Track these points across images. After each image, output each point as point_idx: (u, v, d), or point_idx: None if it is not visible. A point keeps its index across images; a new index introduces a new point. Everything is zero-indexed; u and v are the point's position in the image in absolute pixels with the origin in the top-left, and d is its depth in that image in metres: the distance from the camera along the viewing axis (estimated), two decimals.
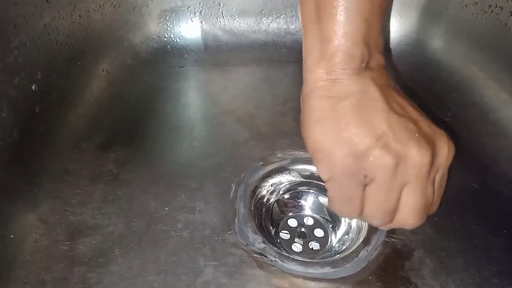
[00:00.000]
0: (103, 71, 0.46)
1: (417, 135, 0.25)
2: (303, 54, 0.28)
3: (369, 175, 0.25)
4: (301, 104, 0.28)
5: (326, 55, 0.26)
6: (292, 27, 0.54)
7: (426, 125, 0.26)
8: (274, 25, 0.54)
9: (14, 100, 0.33)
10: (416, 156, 0.24)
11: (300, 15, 0.28)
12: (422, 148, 0.24)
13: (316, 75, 0.26)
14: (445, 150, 0.26)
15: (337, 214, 0.30)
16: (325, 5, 0.25)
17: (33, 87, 0.35)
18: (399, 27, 0.53)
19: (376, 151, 0.24)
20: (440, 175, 0.27)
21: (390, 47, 0.53)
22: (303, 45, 0.28)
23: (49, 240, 0.33)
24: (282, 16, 0.54)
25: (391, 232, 0.34)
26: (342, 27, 0.25)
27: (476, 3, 0.47)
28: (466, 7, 0.47)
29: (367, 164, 0.25)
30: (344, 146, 0.25)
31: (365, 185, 0.26)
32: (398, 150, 0.24)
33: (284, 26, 0.54)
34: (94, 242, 0.33)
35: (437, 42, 0.51)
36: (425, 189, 0.26)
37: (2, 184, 0.31)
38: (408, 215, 0.27)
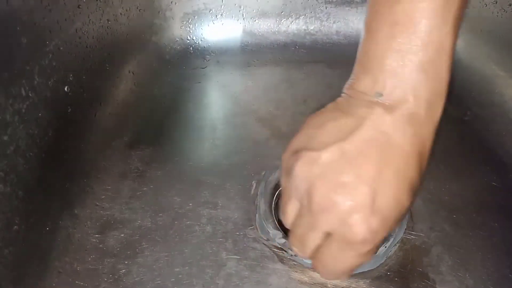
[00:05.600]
0: (129, 72, 0.47)
1: (334, 177, 0.23)
2: None
3: (286, 169, 0.27)
4: None
5: (354, 74, 0.26)
6: (311, 27, 0.55)
7: (359, 187, 0.22)
8: (294, 26, 0.55)
9: (49, 101, 0.35)
10: (314, 187, 0.23)
11: None
12: (323, 187, 0.23)
13: (344, 86, 0.26)
14: (344, 216, 0.22)
15: None
16: (364, 25, 0.25)
17: (65, 89, 0.37)
18: None
19: (296, 155, 0.25)
20: (334, 242, 0.24)
21: None
22: None
23: (81, 233, 0.34)
24: (301, 17, 0.55)
25: (410, 229, 0.35)
26: (369, 51, 0.24)
27: (496, 2, 0.46)
28: (486, 6, 0.47)
29: (287, 159, 0.26)
30: (295, 139, 0.27)
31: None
32: (307, 169, 0.24)
33: (304, 27, 0.55)
34: (122, 235, 0.34)
35: (457, 42, 0.51)
36: (307, 228, 0.25)
37: (38, 180, 0.33)
38: (290, 234, 0.28)
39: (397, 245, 0.33)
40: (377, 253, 0.33)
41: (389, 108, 0.23)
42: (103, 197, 0.37)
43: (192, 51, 0.53)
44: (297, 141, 0.26)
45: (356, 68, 0.25)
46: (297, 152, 0.25)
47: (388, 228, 0.23)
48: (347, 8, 0.54)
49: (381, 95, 0.23)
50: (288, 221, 0.27)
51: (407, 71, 0.23)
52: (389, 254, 0.33)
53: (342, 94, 0.26)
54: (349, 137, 0.23)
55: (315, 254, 0.25)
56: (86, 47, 0.41)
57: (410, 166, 0.23)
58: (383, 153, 0.22)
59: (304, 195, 0.24)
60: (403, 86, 0.23)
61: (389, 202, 0.22)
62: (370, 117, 0.23)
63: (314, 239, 0.25)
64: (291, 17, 0.55)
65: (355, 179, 0.22)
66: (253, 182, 0.38)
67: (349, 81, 0.26)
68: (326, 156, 0.23)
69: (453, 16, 0.23)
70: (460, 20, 0.24)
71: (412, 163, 0.23)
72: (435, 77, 0.23)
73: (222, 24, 0.54)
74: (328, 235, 0.24)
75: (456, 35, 0.24)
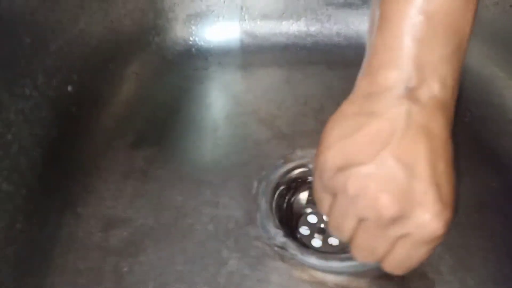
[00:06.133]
0: (132, 73, 0.48)
1: (397, 187, 0.22)
2: None
3: (332, 190, 0.25)
4: None
5: (372, 68, 0.24)
6: (312, 29, 0.55)
7: (422, 188, 0.22)
8: (295, 28, 0.55)
9: (52, 101, 0.35)
10: (378, 201, 0.22)
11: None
12: (389, 200, 0.22)
13: (361, 82, 0.25)
14: (418, 220, 0.22)
15: None
16: (381, 18, 0.24)
17: (69, 88, 0.37)
18: None
19: (347, 173, 0.23)
20: (408, 243, 0.23)
21: None
22: None
23: (83, 232, 0.35)
24: (302, 19, 0.55)
25: None
26: (390, 43, 0.23)
27: (497, 3, 0.47)
28: (487, 7, 0.47)
29: (335, 179, 0.24)
30: (331, 154, 0.24)
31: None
32: (366, 186, 0.22)
33: (305, 29, 0.55)
34: (125, 233, 0.34)
35: None
36: (376, 238, 0.24)
37: (41, 179, 0.33)
38: (353, 246, 0.26)
39: None
40: None
41: (419, 101, 0.22)
42: (106, 196, 0.37)
43: (194, 52, 0.54)
44: (334, 157, 0.24)
45: (374, 62, 0.24)
46: (343, 170, 0.23)
47: (454, 212, 0.23)
48: (348, 10, 0.54)
49: (410, 88, 0.22)
50: (345, 237, 0.26)
51: (434, 62, 0.22)
52: None
53: (359, 91, 0.24)
54: (393, 141, 0.22)
55: (386, 256, 0.25)
56: (89, 47, 0.41)
57: (450, 150, 0.23)
58: (429, 147, 0.22)
59: (367, 211, 0.23)
60: (431, 78, 0.22)
61: (449, 190, 0.23)
62: (405, 114, 0.22)
63: (385, 247, 0.24)
64: (292, 19, 0.55)
65: (417, 183, 0.22)
66: (254, 182, 0.38)
67: (366, 77, 0.24)
68: (378, 167, 0.22)
69: (472, 2, 0.23)
70: (477, 6, 0.23)
71: (450, 147, 0.23)
72: (458, 64, 0.23)
73: (224, 25, 0.54)
74: (397, 241, 0.24)
75: (474, 21, 0.23)
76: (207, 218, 0.36)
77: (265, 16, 0.54)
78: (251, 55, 0.54)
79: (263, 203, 0.36)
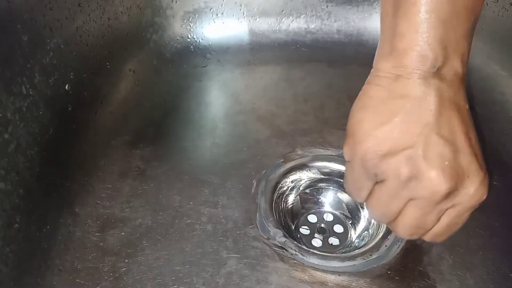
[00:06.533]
0: (130, 71, 0.47)
1: (447, 163, 0.23)
2: (378, 42, 0.27)
3: (380, 176, 0.25)
4: (362, 87, 0.27)
5: (397, 50, 0.24)
6: (312, 26, 0.55)
7: (466, 159, 0.24)
8: (295, 25, 0.55)
9: (49, 99, 0.35)
10: (433, 180, 0.23)
11: (380, 5, 0.27)
12: (443, 177, 0.23)
13: (384, 65, 0.25)
14: (469, 191, 0.24)
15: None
16: (404, 1, 0.24)
17: (66, 87, 0.37)
18: None
19: (396, 158, 0.24)
20: (455, 211, 0.25)
21: None
22: (380, 33, 0.27)
23: (81, 231, 0.34)
24: (302, 16, 0.55)
25: None
26: (416, 25, 0.23)
27: (497, 0, 0.46)
28: (487, 5, 0.47)
29: (383, 165, 0.25)
30: (373, 141, 0.25)
31: (376, 182, 0.26)
32: (418, 167, 0.23)
33: (305, 26, 0.55)
34: (123, 233, 0.34)
35: None
36: (428, 214, 0.25)
37: (39, 178, 0.33)
38: (400, 226, 0.27)
39: (398, 244, 0.33)
40: (377, 252, 0.33)
41: (445, 78, 0.24)
42: (103, 195, 0.37)
43: (192, 50, 0.53)
44: (378, 145, 0.24)
45: (399, 45, 0.24)
46: (390, 156, 0.24)
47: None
48: (348, 7, 0.54)
49: (437, 68, 0.24)
50: (391, 219, 0.27)
51: (456, 40, 0.24)
52: (390, 253, 0.33)
53: (383, 74, 0.25)
54: (431, 119, 0.24)
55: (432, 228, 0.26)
56: (87, 45, 0.41)
57: (471, 119, 0.25)
58: (461, 120, 0.24)
59: (422, 191, 0.24)
60: (453, 56, 0.24)
61: (482, 156, 0.25)
62: (436, 93, 0.24)
63: (434, 221, 0.26)
64: (292, 16, 0.55)
65: (461, 156, 0.24)
66: (253, 181, 0.38)
67: (390, 60, 0.25)
68: (424, 147, 0.23)
69: None
70: None
71: (471, 116, 0.25)
72: (471, 40, 0.25)
73: (223, 22, 0.54)
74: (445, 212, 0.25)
75: None
76: (206, 218, 0.35)
77: (264, 13, 0.54)
78: (250, 52, 0.53)
79: (263, 203, 0.36)
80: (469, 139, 0.24)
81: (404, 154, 0.24)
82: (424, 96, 0.24)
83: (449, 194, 0.24)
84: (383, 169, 0.25)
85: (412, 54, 0.24)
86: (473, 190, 0.24)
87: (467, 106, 0.25)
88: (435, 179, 0.23)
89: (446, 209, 0.25)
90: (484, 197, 0.25)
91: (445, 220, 0.26)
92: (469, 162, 0.24)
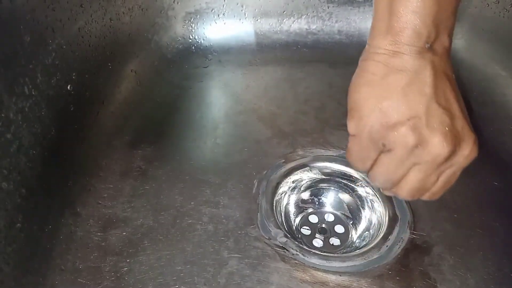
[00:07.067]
0: (131, 71, 0.48)
1: (447, 128, 0.26)
2: (372, 21, 0.29)
3: (388, 146, 0.27)
4: (358, 64, 0.29)
5: (394, 29, 0.26)
6: (313, 27, 0.55)
7: (460, 124, 0.26)
8: (296, 26, 0.55)
9: (51, 100, 0.35)
10: (436, 146, 0.26)
11: None
12: (445, 142, 0.26)
13: (381, 42, 0.27)
14: (465, 152, 0.27)
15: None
16: None
17: (68, 87, 0.37)
18: None
19: (403, 128, 0.26)
20: (451, 171, 0.28)
21: None
22: (373, 12, 0.29)
23: (83, 231, 0.34)
24: (303, 17, 0.55)
25: (411, 228, 0.35)
26: (412, 6, 0.25)
27: (498, 1, 0.46)
28: (488, 5, 0.47)
29: (391, 136, 0.26)
30: (379, 114, 0.26)
31: (381, 151, 0.28)
32: (423, 135, 0.26)
33: (306, 26, 0.55)
34: (124, 233, 0.34)
35: (459, 41, 0.51)
36: (429, 176, 0.28)
37: (40, 178, 0.33)
38: (404, 189, 0.29)
39: (398, 244, 0.34)
40: (378, 252, 0.33)
41: (437, 53, 0.26)
42: (105, 195, 0.37)
43: (194, 50, 0.54)
44: (383, 118, 0.26)
45: (395, 24, 0.26)
46: (397, 126, 0.26)
47: None
48: (349, 8, 0.54)
49: (430, 43, 0.26)
50: (394, 185, 0.29)
51: (446, 18, 0.26)
52: (390, 253, 0.33)
53: (380, 51, 0.27)
54: (429, 90, 0.26)
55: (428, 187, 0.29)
56: (89, 46, 0.41)
57: (457, 86, 0.28)
58: (452, 89, 0.27)
59: (427, 156, 0.26)
60: (443, 32, 0.26)
61: (468, 119, 0.27)
62: (430, 66, 0.26)
63: (434, 181, 0.28)
64: (293, 17, 0.55)
65: (457, 121, 0.26)
66: (254, 181, 0.38)
67: (387, 38, 0.27)
68: (427, 116, 0.26)
69: None
70: None
71: (456, 84, 0.28)
72: (456, 15, 0.27)
73: (224, 23, 0.54)
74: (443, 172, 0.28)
75: None
76: (207, 218, 0.36)
77: (265, 14, 0.54)
78: (251, 53, 0.54)
79: (264, 203, 0.36)
80: (460, 106, 0.27)
81: (409, 124, 0.26)
82: (421, 70, 0.26)
83: (449, 156, 0.26)
84: (391, 139, 0.27)
85: (408, 32, 0.26)
86: (468, 151, 0.27)
87: (453, 75, 0.27)
88: (438, 144, 0.26)
89: (445, 170, 0.28)
90: (476, 154, 0.27)
91: (442, 179, 0.28)
92: (463, 126, 0.26)
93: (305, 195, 0.39)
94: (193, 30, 0.54)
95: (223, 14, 0.54)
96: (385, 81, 0.27)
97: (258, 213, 0.36)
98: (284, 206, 0.38)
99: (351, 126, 0.28)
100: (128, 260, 0.33)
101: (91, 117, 0.41)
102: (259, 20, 0.54)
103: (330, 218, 0.39)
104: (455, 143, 0.26)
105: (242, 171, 0.39)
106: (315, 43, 0.55)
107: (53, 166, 0.35)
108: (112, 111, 0.43)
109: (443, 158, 0.26)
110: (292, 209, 0.39)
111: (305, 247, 0.34)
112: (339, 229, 0.38)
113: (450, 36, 0.27)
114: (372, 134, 0.27)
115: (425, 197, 0.29)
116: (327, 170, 0.40)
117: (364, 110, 0.27)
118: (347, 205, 0.39)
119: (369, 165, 0.29)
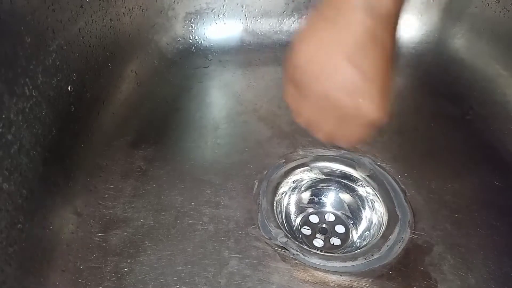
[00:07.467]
0: (131, 72, 0.48)
1: (350, 85, 0.27)
2: None
3: (297, 84, 0.30)
4: None
5: None
6: None
7: (369, 86, 0.27)
8: (296, 26, 0.55)
9: (52, 100, 0.35)
10: (335, 96, 0.28)
11: None
12: (344, 95, 0.27)
13: None
14: (366, 109, 0.28)
15: None
16: None
17: (68, 88, 0.37)
18: (420, 26, 0.53)
19: (308, 74, 0.28)
20: (356, 124, 0.29)
21: (411, 46, 0.54)
22: None
23: (84, 232, 0.35)
24: (304, 17, 0.55)
25: (412, 228, 0.35)
26: None
27: (498, 1, 0.46)
28: (488, 5, 0.47)
29: (301, 78, 0.29)
30: (299, 54, 0.29)
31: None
32: (326, 86, 0.28)
33: None
34: (125, 234, 0.34)
35: (459, 41, 0.51)
36: (339, 125, 0.30)
37: (42, 179, 0.33)
38: (319, 133, 0.32)
39: (399, 244, 0.34)
40: (379, 252, 0.33)
41: (377, 15, 0.26)
42: (106, 196, 0.37)
43: (194, 51, 0.54)
44: (304, 58, 0.29)
45: None
46: (309, 72, 0.28)
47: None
48: None
49: (371, 4, 0.26)
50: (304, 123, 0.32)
51: None
52: (391, 253, 0.33)
53: (328, 4, 0.28)
54: (352, 50, 0.27)
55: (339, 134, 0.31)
56: (89, 46, 0.41)
57: (394, 56, 0.28)
58: (381, 56, 0.27)
59: (327, 106, 0.28)
60: None
61: (389, 89, 0.28)
62: (364, 28, 0.26)
63: (337, 127, 0.30)
64: (293, 17, 0.55)
65: (368, 84, 0.27)
66: (255, 181, 0.38)
67: None
68: (337, 70, 0.27)
69: None
70: None
71: (394, 53, 0.28)
72: None
73: (225, 23, 0.54)
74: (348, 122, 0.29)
75: None
76: (208, 218, 0.36)
77: (266, 14, 0.54)
78: (252, 53, 0.54)
79: (264, 203, 0.36)
80: (383, 75, 0.27)
81: (323, 76, 0.28)
82: (353, 29, 0.27)
83: (349, 109, 0.28)
84: (302, 79, 0.29)
85: None
86: (369, 110, 0.28)
87: (392, 43, 0.28)
88: (337, 97, 0.28)
89: (350, 121, 0.29)
90: (376, 116, 0.28)
91: (350, 129, 0.30)
92: (370, 87, 0.27)
93: (306, 195, 0.39)
94: (193, 31, 0.54)
95: (223, 14, 0.54)
96: (321, 32, 0.28)
97: (259, 213, 0.36)
98: (284, 206, 0.38)
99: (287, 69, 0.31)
100: (129, 261, 0.33)
101: (91, 117, 0.41)
102: (259, 20, 0.54)
103: (330, 218, 0.39)
104: (356, 99, 0.27)
105: (242, 171, 0.39)
106: None
107: (54, 167, 0.35)
108: (112, 112, 0.43)
109: (342, 109, 0.28)
110: (292, 209, 0.39)
111: (305, 247, 0.34)
112: (340, 229, 0.38)
113: (396, 1, 0.27)
114: (293, 69, 0.30)
115: (336, 141, 0.32)
116: (327, 170, 0.40)
117: (296, 47, 0.29)
118: (347, 205, 0.39)
119: (289, 97, 0.32)
